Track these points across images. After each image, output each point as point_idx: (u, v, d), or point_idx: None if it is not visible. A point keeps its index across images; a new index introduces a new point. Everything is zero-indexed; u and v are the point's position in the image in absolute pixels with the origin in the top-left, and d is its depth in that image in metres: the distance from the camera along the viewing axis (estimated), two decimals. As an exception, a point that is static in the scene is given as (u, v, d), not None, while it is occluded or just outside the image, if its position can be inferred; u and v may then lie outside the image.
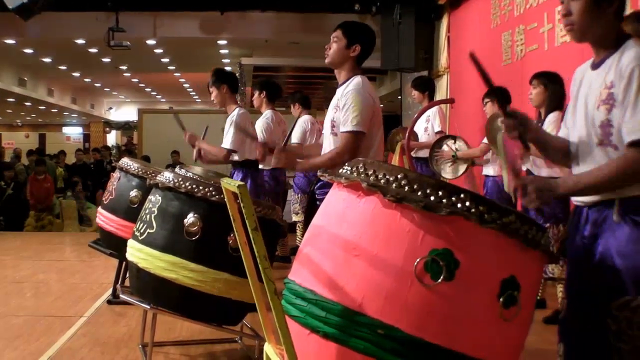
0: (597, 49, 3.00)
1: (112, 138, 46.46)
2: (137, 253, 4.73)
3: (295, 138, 9.21)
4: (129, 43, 15.15)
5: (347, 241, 2.64)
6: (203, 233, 4.53)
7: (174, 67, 27.42)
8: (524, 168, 6.07)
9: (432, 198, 2.52)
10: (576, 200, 3.06)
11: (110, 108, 45.99)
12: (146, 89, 38.23)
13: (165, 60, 24.85)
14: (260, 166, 7.48)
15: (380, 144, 4.85)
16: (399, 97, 15.97)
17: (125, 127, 44.80)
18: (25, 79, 29.36)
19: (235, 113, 6.96)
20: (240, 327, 5.34)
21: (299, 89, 18.58)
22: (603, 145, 2.87)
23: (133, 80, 33.34)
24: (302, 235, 4.30)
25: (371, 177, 2.64)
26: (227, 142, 6.91)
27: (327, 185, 4.06)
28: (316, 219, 2.95)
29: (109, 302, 6.99)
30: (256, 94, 8.82)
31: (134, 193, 6.22)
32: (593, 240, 2.92)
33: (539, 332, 5.38)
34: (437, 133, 9.15)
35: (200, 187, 4.53)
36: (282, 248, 9.16)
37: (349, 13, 13.12)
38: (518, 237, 2.56)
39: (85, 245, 7.56)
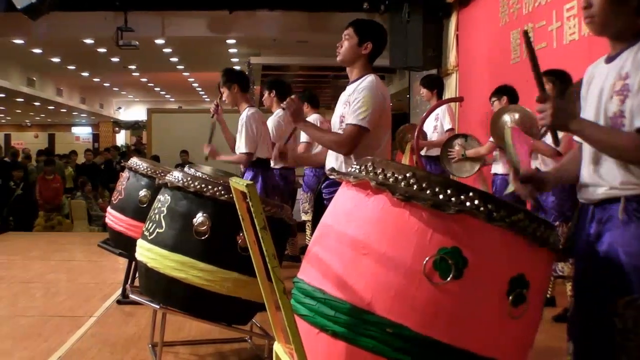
0: (615, 43, 2.97)
1: (122, 138, 46.54)
2: (146, 253, 4.73)
3: (304, 136, 9.22)
4: (137, 42, 15.17)
5: (355, 240, 2.64)
6: (212, 232, 4.53)
7: (182, 67, 27.45)
8: (532, 166, 6.06)
9: (440, 196, 2.51)
10: (582, 198, 3.05)
11: (119, 108, 46.03)
12: (155, 89, 38.27)
13: (174, 59, 24.88)
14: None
15: (387, 145, 4.84)
16: (408, 95, 15.95)
17: (134, 127, 44.85)
18: (34, 78, 29.41)
19: (244, 114, 6.97)
20: (249, 326, 5.34)
21: (307, 88, 18.58)
22: None
23: (142, 79, 33.39)
24: (311, 234, 4.30)
25: (380, 176, 2.64)
26: (242, 147, 6.95)
27: (335, 184, 4.06)
28: (325, 218, 2.95)
29: (118, 302, 7.00)
30: (266, 93, 8.81)
31: (143, 193, 6.22)
32: (599, 239, 2.90)
33: (549, 330, 5.36)
34: (447, 131, 9.13)
35: (209, 187, 4.53)
36: (291, 247, 9.17)
37: (358, 12, 13.08)
38: (527, 235, 2.56)
39: (94, 245, 7.57)
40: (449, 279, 2.48)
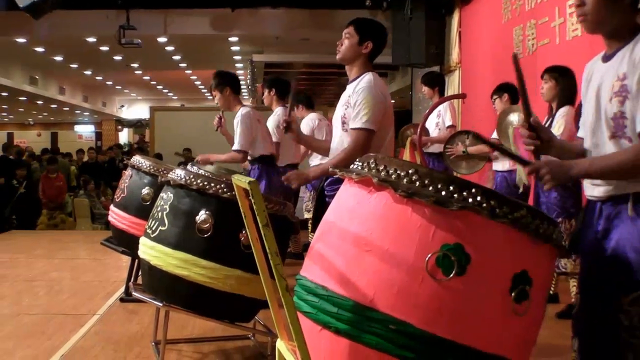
0: (610, 41, 2.95)
1: (124, 136, 46.57)
2: (149, 250, 4.74)
3: (306, 129, 9.27)
4: (140, 41, 15.16)
5: (358, 237, 2.64)
6: (215, 230, 4.53)
7: (185, 65, 27.45)
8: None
9: (443, 193, 2.51)
10: (590, 195, 3.04)
11: (122, 106, 46.07)
12: (158, 87, 38.32)
13: (177, 57, 24.87)
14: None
15: (391, 142, 4.84)
16: (410, 92, 15.95)
17: (137, 125, 44.84)
18: (37, 77, 29.44)
19: (238, 113, 6.99)
20: (252, 324, 5.34)
21: (310, 86, 18.55)
22: (616, 138, 2.84)
23: (144, 78, 33.44)
24: (312, 231, 4.29)
25: (382, 173, 2.64)
26: (236, 144, 6.97)
27: (337, 182, 4.06)
28: (327, 215, 2.95)
29: (121, 299, 7.01)
30: (266, 92, 8.82)
31: (145, 191, 6.22)
32: (606, 235, 2.89)
33: (552, 326, 5.37)
34: (448, 127, 9.12)
35: (212, 184, 4.53)
36: (294, 244, 9.18)
37: (360, 9, 13.10)
38: (529, 232, 2.55)
39: (97, 244, 7.57)
40: (451, 275, 2.47)
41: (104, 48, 21.57)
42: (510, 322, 2.57)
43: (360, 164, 2.79)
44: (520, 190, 7.14)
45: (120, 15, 14.55)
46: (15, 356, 5.33)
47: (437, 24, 12.83)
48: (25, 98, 33.04)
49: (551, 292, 6.59)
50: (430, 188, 2.53)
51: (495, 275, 2.53)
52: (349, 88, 4.79)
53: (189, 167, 5.14)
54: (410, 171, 2.58)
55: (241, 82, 31.99)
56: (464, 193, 2.51)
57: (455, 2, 12.41)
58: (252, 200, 2.70)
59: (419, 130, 8.56)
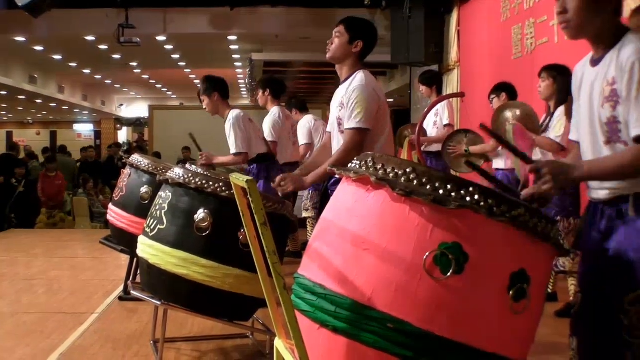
0: (596, 45, 2.95)
1: (123, 135, 46.56)
2: (148, 249, 4.74)
3: (303, 139, 9.34)
4: (139, 39, 15.14)
5: (356, 235, 2.64)
6: (213, 229, 4.53)
7: (184, 63, 27.42)
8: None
9: (441, 192, 2.51)
10: (591, 197, 3.05)
11: (121, 105, 46.05)
12: (157, 86, 38.27)
13: (176, 56, 24.85)
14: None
15: (389, 139, 4.83)
16: (409, 91, 15.94)
17: (136, 124, 44.82)
18: (36, 76, 29.39)
19: (230, 116, 7.00)
20: (251, 322, 5.35)
21: (309, 84, 18.52)
22: (612, 144, 2.84)
23: (143, 76, 33.41)
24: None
25: (380, 171, 2.64)
26: (233, 147, 7.00)
27: (340, 182, 4.07)
28: (325, 214, 2.95)
29: (120, 298, 7.01)
30: (260, 92, 8.88)
31: (144, 189, 6.22)
32: (608, 236, 2.89)
33: (550, 325, 5.37)
34: (445, 126, 9.12)
35: (211, 183, 4.53)
36: (293, 243, 9.18)
37: (359, 8, 13.11)
38: (527, 230, 2.55)
39: (96, 242, 7.58)
40: (449, 274, 2.47)
41: (103, 47, 21.54)
42: (508, 321, 2.57)
43: (358, 162, 2.79)
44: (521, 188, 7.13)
45: (120, 14, 14.54)
46: (15, 355, 5.33)
47: (436, 23, 12.82)
48: (24, 97, 32.99)
49: (550, 290, 6.60)
50: (428, 187, 2.53)
51: (493, 273, 2.53)
52: (342, 88, 4.80)
53: (187, 165, 5.14)
54: (408, 170, 2.58)
55: (240, 81, 32.04)
56: (462, 192, 2.51)
57: (454, 1, 12.41)
58: (250, 199, 2.70)
59: (417, 130, 8.57)
